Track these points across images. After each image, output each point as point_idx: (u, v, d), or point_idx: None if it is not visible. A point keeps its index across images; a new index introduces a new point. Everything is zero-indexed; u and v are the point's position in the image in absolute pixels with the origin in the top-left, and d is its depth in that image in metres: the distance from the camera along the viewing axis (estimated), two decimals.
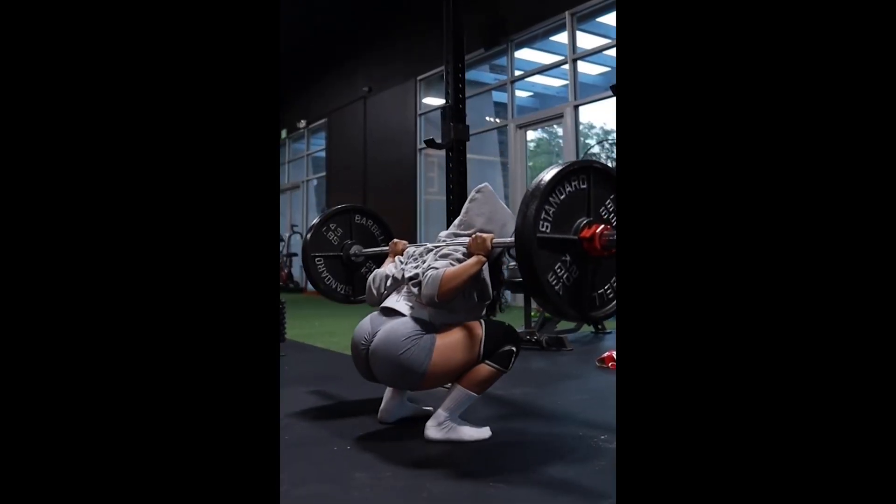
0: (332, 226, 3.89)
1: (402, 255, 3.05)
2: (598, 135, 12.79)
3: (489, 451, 2.59)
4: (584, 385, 3.95)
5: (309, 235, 3.85)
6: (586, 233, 2.31)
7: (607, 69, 10.82)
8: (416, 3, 11.84)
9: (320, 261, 3.83)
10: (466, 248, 2.75)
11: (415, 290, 2.73)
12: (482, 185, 3.04)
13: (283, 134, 16.76)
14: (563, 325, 5.88)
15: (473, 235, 2.75)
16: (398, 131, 12.60)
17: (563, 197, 2.30)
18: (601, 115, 12.86)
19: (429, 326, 2.66)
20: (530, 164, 11.00)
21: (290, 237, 15.37)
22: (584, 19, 9.41)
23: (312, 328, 7.00)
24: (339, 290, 3.88)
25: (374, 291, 2.98)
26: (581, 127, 9.57)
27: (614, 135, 10.67)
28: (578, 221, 2.34)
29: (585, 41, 9.47)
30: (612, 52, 9.07)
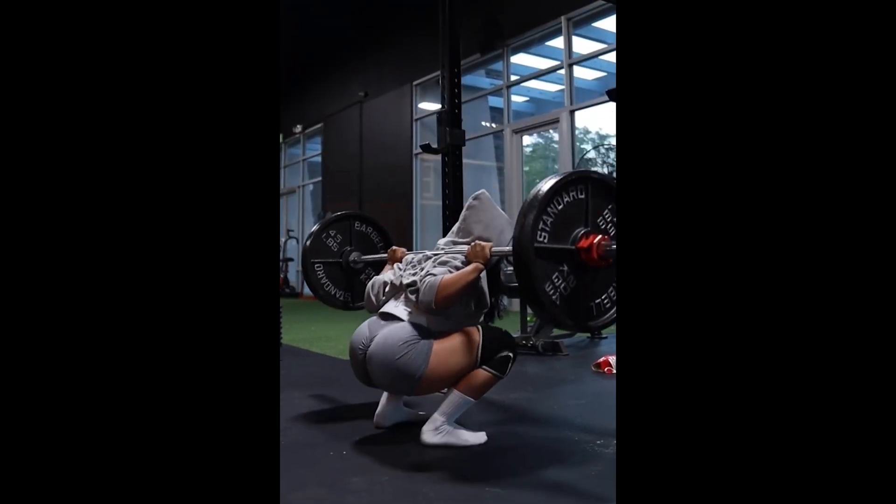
0: (332, 232, 3.90)
1: (400, 262, 3.05)
2: (594, 140, 12.79)
3: (485, 455, 2.59)
4: (580, 390, 3.95)
5: (309, 242, 3.85)
6: (584, 243, 2.32)
7: (603, 74, 10.83)
8: (411, 8, 11.86)
9: (320, 267, 3.83)
10: (465, 257, 2.76)
11: (412, 297, 2.74)
12: (479, 192, 3.04)
13: (280, 139, 16.76)
14: (559, 330, 5.87)
15: (472, 243, 2.76)
16: (394, 136, 12.60)
17: (560, 207, 2.32)
18: (597, 120, 12.88)
19: (426, 332, 2.66)
20: (526, 168, 11.02)
21: (286, 242, 15.36)
22: (580, 24, 9.43)
23: (309, 333, 6.99)
24: (338, 296, 3.89)
25: (373, 298, 2.98)
26: (577, 132, 9.58)
27: (610, 140, 10.70)
28: (576, 231, 2.35)
29: (581, 46, 9.48)
30: (608, 56, 9.10)
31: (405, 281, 2.81)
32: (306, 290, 15.02)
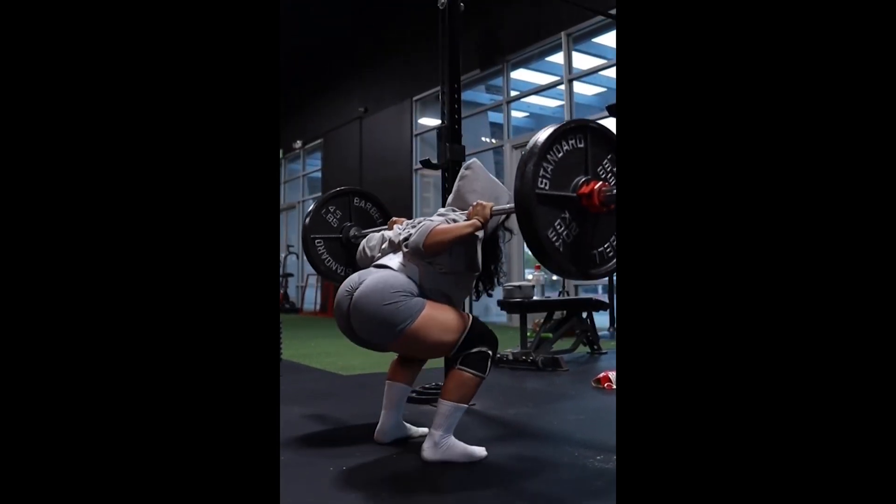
0: (332, 208, 3.90)
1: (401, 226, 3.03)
2: None
3: (485, 470, 2.58)
4: (580, 405, 3.94)
5: (308, 217, 3.84)
6: (585, 189, 2.33)
7: (603, 90, 10.87)
8: (411, 23, 11.92)
9: (320, 242, 3.82)
10: (466, 217, 2.76)
11: (406, 248, 2.73)
12: (470, 160, 3.04)
13: (280, 154, 16.79)
14: (559, 345, 5.88)
15: (475, 202, 2.77)
16: (394, 151, 12.63)
17: (560, 155, 2.34)
18: None
19: (419, 289, 2.65)
20: None
21: (285, 258, 15.38)
22: (580, 40, 9.47)
23: (309, 348, 6.99)
24: (338, 271, 3.88)
25: (367, 251, 2.97)
26: None
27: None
28: (577, 179, 2.37)
29: (581, 62, 9.52)
30: (608, 72, 9.14)
31: (402, 236, 2.80)
32: (306, 305, 15.08)
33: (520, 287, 5.93)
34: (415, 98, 12.30)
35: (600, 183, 2.35)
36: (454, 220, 2.74)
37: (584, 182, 2.36)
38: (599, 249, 2.44)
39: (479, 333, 2.68)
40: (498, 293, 6.17)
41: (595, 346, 6.17)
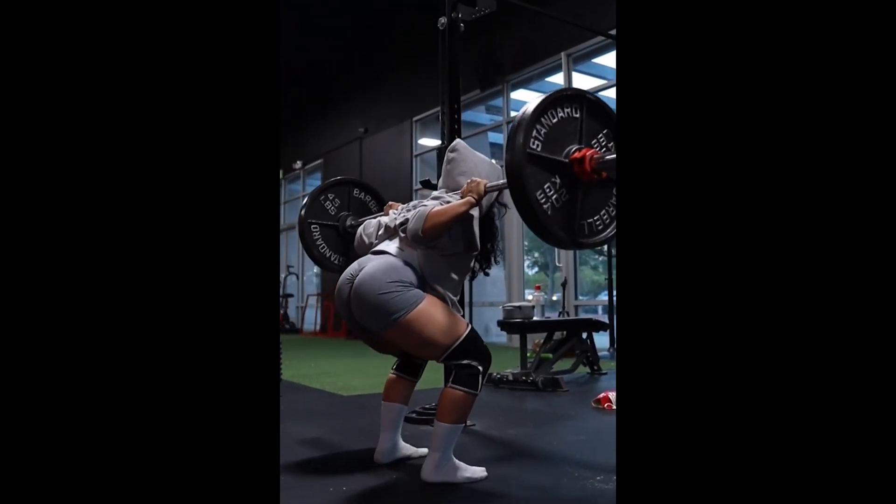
0: (331, 196, 3.86)
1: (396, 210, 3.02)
2: None
3: (485, 491, 2.57)
4: (580, 426, 3.93)
5: (306, 202, 3.82)
6: (577, 155, 2.33)
7: None
8: (411, 44, 11.96)
9: (316, 227, 3.80)
10: (461, 195, 2.76)
11: (403, 234, 2.73)
12: (455, 142, 3.05)
13: (280, 175, 16.80)
14: (559, 365, 5.87)
15: (469, 179, 2.78)
16: (394, 172, 12.65)
17: (555, 121, 2.33)
18: None
19: (418, 275, 2.65)
20: None
21: (285, 278, 15.37)
22: (580, 60, 9.51)
23: (309, 369, 6.98)
24: (332, 259, 3.84)
25: (365, 239, 2.95)
26: None
27: None
28: (569, 148, 2.36)
29: (581, 82, 9.54)
30: (609, 92, 9.15)
31: (399, 220, 2.80)
32: (306, 326, 15.06)
33: (520, 307, 5.92)
34: (415, 118, 12.34)
35: (592, 150, 2.34)
36: (447, 202, 2.74)
37: (576, 150, 2.34)
38: (590, 220, 2.42)
39: (474, 346, 2.65)
40: (498, 313, 6.16)
41: (595, 367, 6.16)
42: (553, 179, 2.30)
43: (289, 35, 12.11)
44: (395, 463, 2.96)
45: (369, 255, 2.77)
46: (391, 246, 2.76)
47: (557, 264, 9.49)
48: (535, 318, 6.14)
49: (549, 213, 2.28)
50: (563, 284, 8.91)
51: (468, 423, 3.77)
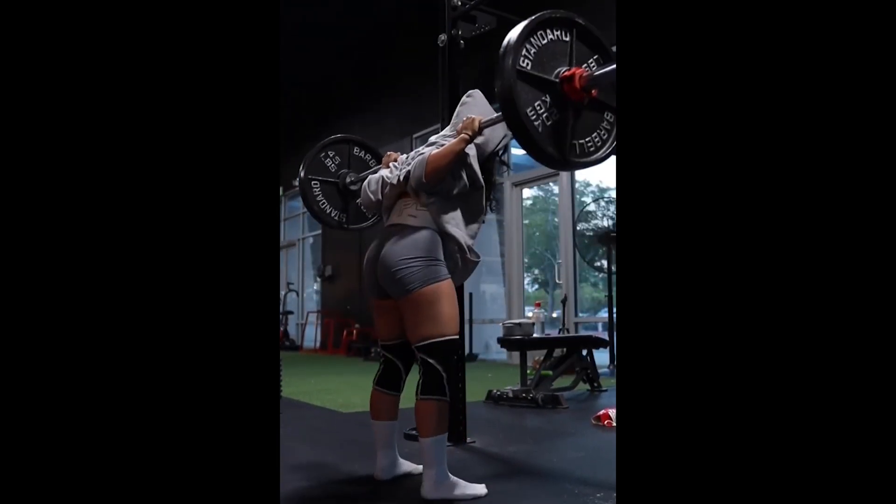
0: (331, 153, 3.90)
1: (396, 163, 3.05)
2: (594, 192, 12.84)
3: None
4: (579, 443, 3.93)
5: (307, 159, 3.84)
6: (566, 73, 2.34)
7: None
8: (411, 61, 11.98)
9: (316, 184, 3.82)
10: (456, 133, 2.79)
11: (409, 188, 2.77)
12: (472, 90, 3.09)
13: (280, 192, 16.81)
14: (559, 382, 5.86)
15: (464, 117, 2.81)
16: None
17: (544, 42, 2.34)
18: (597, 174, 12.94)
19: (437, 240, 2.70)
20: (526, 221, 11.04)
21: (285, 295, 15.35)
22: None
23: (309, 386, 6.96)
24: (332, 215, 3.87)
25: (370, 194, 2.97)
26: (577, 185, 9.62)
27: (610, 192, 10.73)
28: (559, 69, 2.37)
29: None
30: None
31: (402, 175, 2.83)
32: (306, 343, 15.02)
33: (520, 324, 5.92)
34: (415, 135, 12.33)
35: (582, 69, 2.36)
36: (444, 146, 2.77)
37: (566, 70, 2.36)
38: (580, 141, 2.44)
39: (449, 352, 2.70)
40: (498, 330, 6.15)
41: (595, 384, 6.15)
42: (543, 98, 2.32)
43: (289, 53, 12.16)
44: (396, 480, 2.95)
45: (392, 231, 2.79)
46: (404, 216, 2.78)
47: (557, 281, 9.48)
48: (535, 335, 6.13)
49: (540, 129, 2.29)
50: (564, 301, 8.90)
51: (468, 440, 3.77)
